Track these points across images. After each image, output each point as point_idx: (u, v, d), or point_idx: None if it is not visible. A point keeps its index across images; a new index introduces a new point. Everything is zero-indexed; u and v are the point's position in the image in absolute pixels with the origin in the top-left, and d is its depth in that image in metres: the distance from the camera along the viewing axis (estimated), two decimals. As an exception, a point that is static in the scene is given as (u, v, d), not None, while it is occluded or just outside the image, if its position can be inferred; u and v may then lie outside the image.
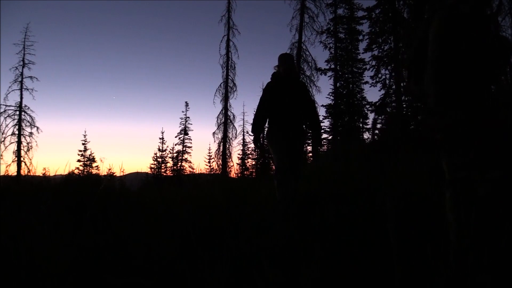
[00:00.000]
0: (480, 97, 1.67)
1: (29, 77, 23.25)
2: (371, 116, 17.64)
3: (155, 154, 26.57)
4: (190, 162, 26.96)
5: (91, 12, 71.35)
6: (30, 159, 22.73)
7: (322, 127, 15.74)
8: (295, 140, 3.62)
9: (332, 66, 20.77)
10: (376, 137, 14.24)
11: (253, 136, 3.78)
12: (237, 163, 28.90)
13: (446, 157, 1.68)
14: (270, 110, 3.66)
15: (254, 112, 3.77)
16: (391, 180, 3.23)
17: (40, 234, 2.10)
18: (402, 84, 15.38)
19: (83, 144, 25.42)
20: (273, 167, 3.74)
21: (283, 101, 3.62)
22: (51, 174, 6.66)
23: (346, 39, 20.83)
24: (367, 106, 19.95)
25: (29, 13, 48.03)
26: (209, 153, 26.59)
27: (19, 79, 23.08)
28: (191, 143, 27.58)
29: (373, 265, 1.74)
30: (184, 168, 26.68)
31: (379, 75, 17.25)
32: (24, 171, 21.93)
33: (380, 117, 17.04)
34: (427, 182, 2.75)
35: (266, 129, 3.78)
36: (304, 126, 3.81)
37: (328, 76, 20.82)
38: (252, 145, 30.64)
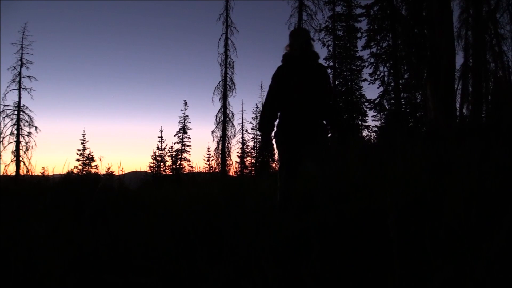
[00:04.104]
0: None
1: (27, 76, 23.20)
2: (370, 113, 17.66)
3: (154, 153, 26.59)
4: (189, 160, 27.02)
5: (88, 11, 71.27)
6: (29, 159, 22.72)
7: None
8: (310, 140, 2.93)
9: (331, 64, 20.76)
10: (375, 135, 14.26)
11: (261, 135, 3.05)
12: (236, 161, 28.95)
13: None
14: (281, 101, 2.95)
15: (262, 104, 3.07)
16: (391, 177, 3.23)
17: (39, 234, 2.10)
18: (400, 81, 15.38)
19: (82, 143, 25.42)
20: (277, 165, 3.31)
21: (296, 90, 2.89)
22: (50, 174, 6.66)
23: (344, 37, 20.83)
24: (366, 104, 19.97)
25: (27, 12, 47.89)
26: (208, 151, 26.59)
27: (17, 79, 23.03)
28: (190, 141, 27.64)
29: (373, 260, 1.75)
30: (183, 166, 26.70)
31: (378, 72, 17.27)
32: (23, 171, 21.93)
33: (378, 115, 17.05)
34: (428, 178, 2.76)
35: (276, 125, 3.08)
36: (324, 121, 3.07)
37: (327, 74, 20.80)
38: (251, 144, 30.67)
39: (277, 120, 3.03)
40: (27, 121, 23.10)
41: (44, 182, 5.38)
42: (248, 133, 30.83)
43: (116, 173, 6.07)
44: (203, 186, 4.35)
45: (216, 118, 22.35)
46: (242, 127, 29.62)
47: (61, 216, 2.66)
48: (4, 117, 22.66)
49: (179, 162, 27.01)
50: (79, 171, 20.87)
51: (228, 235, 2.24)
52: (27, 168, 22.06)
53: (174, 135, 27.64)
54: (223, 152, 22.01)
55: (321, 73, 3.02)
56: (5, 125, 22.61)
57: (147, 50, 67.38)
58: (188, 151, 27.43)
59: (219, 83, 22.21)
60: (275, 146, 3.04)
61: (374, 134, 16.39)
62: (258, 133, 33.56)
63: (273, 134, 3.07)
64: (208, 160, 25.69)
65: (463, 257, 1.47)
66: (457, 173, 2.50)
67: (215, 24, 23.63)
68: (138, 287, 1.75)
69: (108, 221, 2.70)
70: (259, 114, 31.51)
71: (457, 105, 15.56)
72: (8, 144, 22.45)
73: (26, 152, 22.82)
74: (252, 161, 29.92)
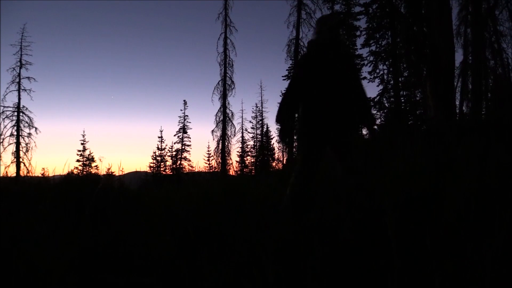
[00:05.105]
0: None
1: (26, 77, 23.21)
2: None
3: (154, 153, 26.62)
4: (189, 160, 27.05)
5: (88, 12, 71.21)
6: (29, 160, 22.72)
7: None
8: (338, 137, 2.69)
9: (330, 62, 20.72)
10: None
11: (279, 127, 2.76)
12: (236, 161, 28.99)
13: None
14: (307, 92, 2.68)
15: (283, 94, 2.78)
16: (390, 175, 3.23)
17: (40, 234, 2.10)
18: (400, 79, 15.37)
19: (82, 144, 25.45)
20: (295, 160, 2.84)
21: (326, 81, 2.63)
22: (50, 174, 6.64)
23: (343, 35, 20.81)
24: (366, 102, 19.93)
25: (26, 13, 47.88)
26: (208, 151, 26.64)
27: (17, 80, 23.02)
28: (190, 141, 27.68)
29: (372, 259, 1.75)
30: (183, 166, 26.71)
31: (377, 71, 17.23)
32: (23, 172, 21.91)
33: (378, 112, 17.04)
34: (428, 176, 2.76)
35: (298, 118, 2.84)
36: (352, 119, 2.80)
37: (326, 72, 20.79)
38: (251, 143, 30.69)
39: (300, 112, 2.79)
40: (27, 122, 23.11)
41: (45, 183, 5.36)
42: (248, 132, 30.87)
43: (116, 173, 6.05)
44: (203, 186, 4.35)
45: (216, 117, 22.37)
46: (242, 127, 29.66)
47: (62, 216, 2.66)
48: (4, 118, 22.67)
49: (179, 161, 27.02)
50: (79, 171, 20.87)
51: (229, 234, 2.24)
52: (27, 169, 22.06)
53: (174, 135, 27.70)
54: (223, 151, 22.01)
55: (351, 63, 2.81)
56: (5, 126, 22.63)
57: (146, 50, 67.44)
58: (188, 151, 27.48)
59: (218, 82, 22.22)
60: (296, 137, 2.80)
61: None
62: (258, 132, 33.28)
63: (296, 126, 2.87)
64: (208, 160, 25.75)
65: (464, 255, 1.47)
66: (457, 170, 2.50)
67: (214, 24, 23.70)
68: (138, 287, 1.75)
69: (109, 221, 2.70)
70: (258, 114, 31.62)
71: (457, 103, 15.58)
72: (8, 145, 22.48)
73: (26, 153, 22.84)
74: (252, 160, 29.95)
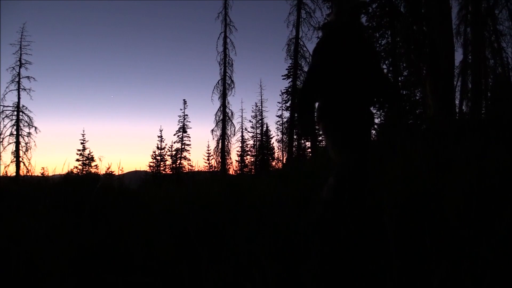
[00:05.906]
0: None
1: (26, 77, 23.23)
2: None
3: (154, 152, 26.61)
4: (189, 159, 27.06)
5: (87, 11, 71.15)
6: (29, 159, 22.73)
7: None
8: (365, 126, 2.49)
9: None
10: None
11: (299, 118, 2.50)
12: (236, 160, 29.02)
13: None
14: (327, 79, 2.45)
15: (302, 82, 2.55)
16: (390, 174, 3.23)
17: (39, 234, 2.10)
18: (399, 79, 15.35)
19: (81, 143, 25.43)
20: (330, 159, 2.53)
21: (348, 66, 2.42)
22: (50, 174, 6.64)
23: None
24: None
25: (26, 13, 47.86)
26: (208, 150, 26.66)
27: (16, 79, 23.03)
28: (189, 140, 27.68)
29: (372, 259, 1.75)
30: (183, 166, 26.72)
31: (377, 70, 17.22)
32: (23, 171, 21.92)
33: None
34: (427, 175, 2.76)
35: (319, 107, 2.57)
36: (372, 108, 2.58)
37: (326, 72, 20.79)
38: (250, 143, 30.69)
39: (320, 103, 2.56)
40: (26, 122, 23.12)
41: (44, 182, 5.36)
42: (248, 131, 30.89)
43: (116, 172, 6.05)
44: (203, 185, 4.35)
45: (215, 117, 22.39)
46: (242, 126, 29.70)
47: (61, 216, 2.66)
48: (4, 118, 22.67)
49: (179, 161, 27.02)
50: (79, 171, 20.88)
51: (228, 234, 2.24)
52: (27, 169, 22.07)
53: (174, 134, 27.69)
54: (222, 151, 22.01)
55: (371, 46, 2.56)
56: (4, 126, 22.64)
57: (146, 50, 67.44)
58: (188, 150, 27.48)
59: (218, 82, 22.24)
60: (323, 130, 2.55)
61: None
62: (258, 131, 33.07)
63: (319, 117, 2.58)
64: (208, 159, 25.76)
65: (463, 255, 1.47)
66: (457, 170, 2.50)
67: (214, 23, 23.68)
68: (138, 287, 1.75)
69: (108, 221, 2.70)
70: (258, 113, 31.59)
71: (457, 102, 15.59)
72: (8, 144, 22.49)
73: (26, 153, 22.85)
74: (252, 159, 29.97)
